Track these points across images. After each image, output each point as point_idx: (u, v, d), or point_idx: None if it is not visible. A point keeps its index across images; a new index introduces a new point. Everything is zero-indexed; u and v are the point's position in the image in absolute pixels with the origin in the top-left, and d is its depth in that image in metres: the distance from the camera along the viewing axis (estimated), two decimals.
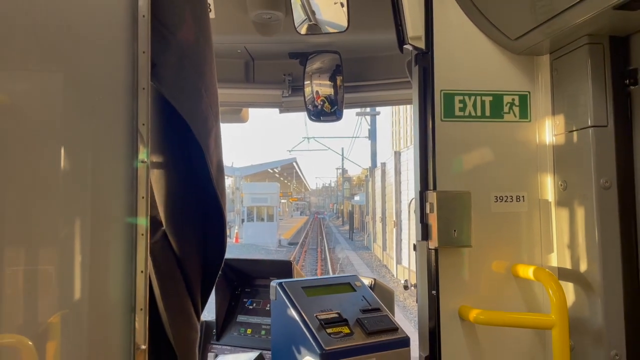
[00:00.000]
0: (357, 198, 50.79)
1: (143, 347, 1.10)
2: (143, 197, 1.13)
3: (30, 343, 1.04)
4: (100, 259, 1.12)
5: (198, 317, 1.44)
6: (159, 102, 1.32)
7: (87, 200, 1.12)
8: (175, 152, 1.44)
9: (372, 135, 46.58)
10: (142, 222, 1.13)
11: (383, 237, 22.87)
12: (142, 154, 1.14)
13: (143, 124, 1.14)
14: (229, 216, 38.29)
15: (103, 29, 1.16)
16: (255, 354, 1.82)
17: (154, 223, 1.36)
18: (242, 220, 34.45)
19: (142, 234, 1.13)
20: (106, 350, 1.11)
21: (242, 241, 31.78)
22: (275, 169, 50.19)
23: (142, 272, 1.12)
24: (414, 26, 1.89)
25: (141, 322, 1.11)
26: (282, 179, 67.07)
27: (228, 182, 37.75)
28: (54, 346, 1.06)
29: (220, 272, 2.56)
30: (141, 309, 1.10)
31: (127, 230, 1.13)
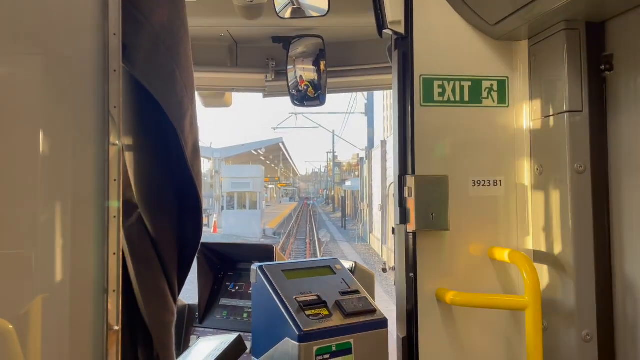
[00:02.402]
0: (348, 183, 50.24)
1: (116, 327, 1.11)
2: (115, 180, 1.13)
3: (6, 325, 1.04)
4: (73, 242, 1.13)
5: (175, 300, 1.45)
6: (133, 85, 1.31)
7: (59, 183, 1.13)
8: (150, 134, 1.44)
9: (369, 110, 40.85)
10: (114, 204, 1.14)
11: (383, 228, 20.68)
12: (114, 137, 1.15)
13: (115, 107, 1.14)
14: (207, 203, 35.26)
15: (72, 11, 1.15)
16: (234, 335, 1.84)
17: (130, 206, 1.36)
18: (222, 208, 30.89)
19: (115, 216, 1.14)
20: (79, 331, 1.12)
21: (222, 231, 28.41)
22: (259, 150, 45.13)
23: (114, 254, 1.12)
24: (393, 10, 1.89)
25: (114, 303, 1.12)
26: (268, 162, 63.51)
27: (208, 165, 33.82)
28: (26, 328, 1.07)
29: (202, 256, 2.59)
30: (114, 291, 1.12)
31: (99, 212, 1.13)
